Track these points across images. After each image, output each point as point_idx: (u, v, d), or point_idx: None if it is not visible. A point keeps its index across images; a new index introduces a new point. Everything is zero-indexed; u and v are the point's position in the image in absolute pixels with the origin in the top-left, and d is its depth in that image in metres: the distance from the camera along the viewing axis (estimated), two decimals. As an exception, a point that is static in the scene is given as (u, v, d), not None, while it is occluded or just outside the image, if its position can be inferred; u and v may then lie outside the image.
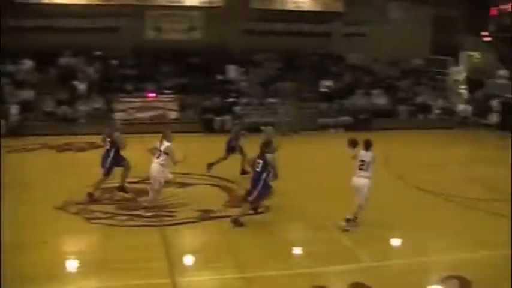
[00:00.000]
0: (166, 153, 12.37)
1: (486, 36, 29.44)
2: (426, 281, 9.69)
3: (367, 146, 12.02)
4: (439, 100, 27.47)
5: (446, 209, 13.72)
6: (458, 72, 29.74)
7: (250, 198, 12.06)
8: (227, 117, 23.23)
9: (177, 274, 9.49)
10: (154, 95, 23.96)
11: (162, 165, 12.40)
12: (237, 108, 23.76)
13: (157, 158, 12.44)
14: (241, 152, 16.03)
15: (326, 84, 26.35)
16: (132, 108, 23.26)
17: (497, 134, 25.11)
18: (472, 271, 9.86)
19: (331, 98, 25.67)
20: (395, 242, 11.91)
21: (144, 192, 13.52)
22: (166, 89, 24.56)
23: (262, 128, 15.61)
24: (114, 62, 25.59)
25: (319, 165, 17.23)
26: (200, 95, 24.25)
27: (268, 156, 11.93)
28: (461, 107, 27.15)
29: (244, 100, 24.20)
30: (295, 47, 27.76)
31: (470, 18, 30.03)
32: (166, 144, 12.46)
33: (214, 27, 26.26)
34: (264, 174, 11.82)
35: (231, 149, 16.06)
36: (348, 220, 11.82)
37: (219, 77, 25.84)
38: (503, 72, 28.49)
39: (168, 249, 10.51)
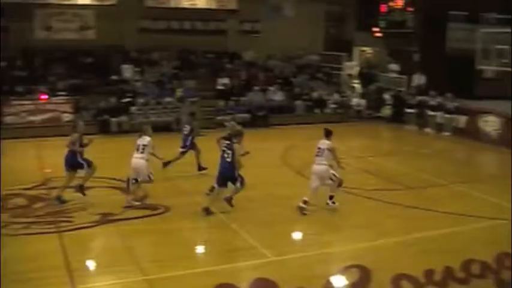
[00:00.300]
0: (147, 146, 13.11)
1: (377, 32, 30.40)
2: (328, 272, 9.87)
3: (327, 134, 13.13)
4: (334, 95, 28.06)
5: (346, 200, 14.01)
6: (352, 67, 30.56)
7: (239, 184, 12.64)
8: (124, 118, 22.83)
9: (78, 281, 9.19)
10: (46, 97, 23.12)
11: (146, 160, 13.12)
12: (133, 109, 23.39)
13: (141, 153, 13.07)
14: (184, 152, 16.16)
15: (223, 82, 26.35)
16: (24, 112, 22.34)
17: (390, 126, 26.03)
18: (372, 259, 10.17)
19: (228, 95, 25.70)
20: (297, 235, 12.11)
21: (40, 199, 13.07)
22: (60, 90, 23.75)
23: (226, 123, 16.25)
24: (3, 63, 24.50)
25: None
26: (95, 96, 23.64)
27: (236, 146, 12.59)
28: (355, 100, 27.91)
29: (140, 100, 23.81)
30: (191, 45, 27.66)
31: (362, 14, 30.94)
32: (147, 138, 13.21)
33: (108, 26, 25.67)
34: (232, 164, 12.54)
35: (191, 146, 16.13)
36: (332, 201, 13.18)
37: (114, 77, 25.27)
38: (393, 66, 29.53)
39: (67, 256, 10.13)
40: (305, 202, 12.77)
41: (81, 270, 9.81)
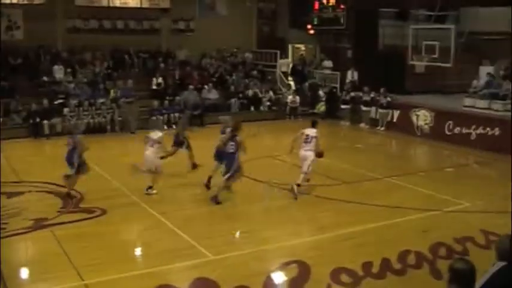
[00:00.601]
0: (159, 142, 13.96)
1: (310, 29, 30.71)
2: (267, 268, 9.86)
3: (313, 124, 14.51)
4: (269, 92, 28.18)
5: (283, 197, 14.10)
6: (286, 64, 30.77)
7: (227, 177, 13.30)
8: (57, 120, 22.32)
9: (12, 289, 8.94)
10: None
11: (155, 152, 13.93)
12: (66, 110, 22.88)
13: (151, 146, 13.89)
14: (188, 146, 16.00)
15: (157, 82, 26.07)
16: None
17: (325, 122, 26.29)
18: (310, 255, 10.27)
19: (163, 95, 25.44)
20: (236, 233, 12.06)
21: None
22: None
23: (220, 117, 17.14)
24: None
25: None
26: (25, 98, 23.00)
27: (238, 138, 13.31)
28: (290, 97, 28.03)
29: (73, 101, 23.30)
30: (124, 44, 27.30)
31: (295, 11, 31.19)
32: (159, 134, 14.19)
33: (37, 26, 24.97)
34: (236, 155, 13.27)
35: (179, 143, 15.94)
36: (298, 185, 13.92)
37: (45, 79, 24.64)
38: (327, 63, 29.90)
39: (1, 264, 9.80)
40: (298, 185, 13.91)
41: (16, 278, 9.54)
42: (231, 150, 13.24)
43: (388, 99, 24.33)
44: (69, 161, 13.48)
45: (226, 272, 9.59)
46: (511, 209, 11.89)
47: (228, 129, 13.95)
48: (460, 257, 7.20)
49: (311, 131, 14.20)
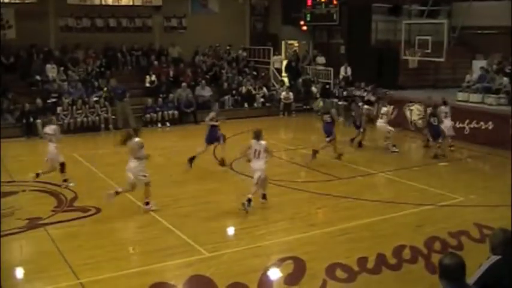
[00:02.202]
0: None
1: (303, 25, 30.74)
2: (263, 265, 9.84)
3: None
4: (263, 89, 28.14)
5: (277, 193, 14.10)
6: (279, 61, 30.76)
7: (440, 139, 18.04)
8: (50, 119, 22.21)
9: (7, 289, 8.91)
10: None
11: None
12: (59, 109, 22.80)
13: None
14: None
15: (150, 79, 26.01)
16: None
17: (320, 118, 26.24)
18: (305, 250, 10.29)
19: (157, 92, 25.38)
20: (230, 230, 12.05)
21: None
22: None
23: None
24: None
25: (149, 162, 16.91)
26: (18, 98, 22.92)
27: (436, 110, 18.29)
28: (283, 94, 27.97)
29: (66, 100, 23.21)
30: (116, 42, 27.22)
31: (288, 8, 31.22)
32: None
33: (29, 25, 24.88)
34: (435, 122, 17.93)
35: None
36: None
37: (38, 77, 24.54)
38: (320, 59, 29.91)
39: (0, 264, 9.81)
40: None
41: (10, 277, 9.50)
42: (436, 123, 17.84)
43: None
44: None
45: (221, 269, 9.59)
46: (506, 202, 11.96)
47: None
48: (448, 252, 7.21)
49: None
